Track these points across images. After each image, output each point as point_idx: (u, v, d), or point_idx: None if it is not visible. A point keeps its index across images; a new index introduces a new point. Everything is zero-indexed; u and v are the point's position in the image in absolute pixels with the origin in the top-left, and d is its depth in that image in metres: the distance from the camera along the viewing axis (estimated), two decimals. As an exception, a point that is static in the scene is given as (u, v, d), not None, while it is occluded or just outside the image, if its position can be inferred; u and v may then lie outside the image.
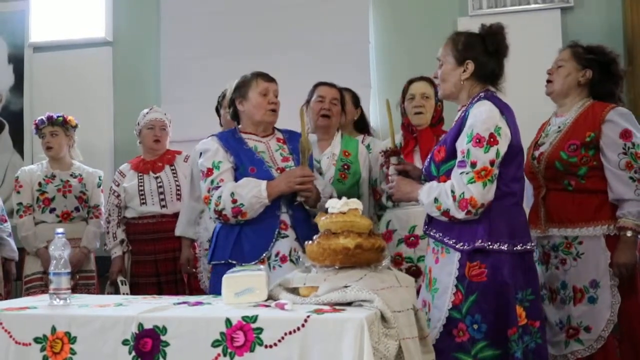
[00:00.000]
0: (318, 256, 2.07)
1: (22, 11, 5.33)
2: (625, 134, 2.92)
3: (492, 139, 2.44)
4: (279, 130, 3.20)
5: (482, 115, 2.47)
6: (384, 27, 4.80)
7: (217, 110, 4.10)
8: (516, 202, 2.57)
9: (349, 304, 1.95)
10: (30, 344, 2.03)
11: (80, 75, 5.19)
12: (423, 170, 2.75)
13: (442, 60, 2.69)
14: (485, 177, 2.42)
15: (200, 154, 3.07)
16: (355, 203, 2.13)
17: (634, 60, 4.31)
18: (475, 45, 2.62)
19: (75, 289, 4.00)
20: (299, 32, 4.88)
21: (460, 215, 2.44)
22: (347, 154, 3.55)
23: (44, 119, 4.39)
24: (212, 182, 2.94)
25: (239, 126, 3.15)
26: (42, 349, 2.02)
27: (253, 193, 2.85)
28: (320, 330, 1.81)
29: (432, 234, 2.61)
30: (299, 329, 1.83)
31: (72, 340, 2.00)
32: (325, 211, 2.15)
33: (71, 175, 4.42)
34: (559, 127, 3.09)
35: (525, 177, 3.19)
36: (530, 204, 3.28)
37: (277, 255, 2.91)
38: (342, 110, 3.69)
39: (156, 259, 4.18)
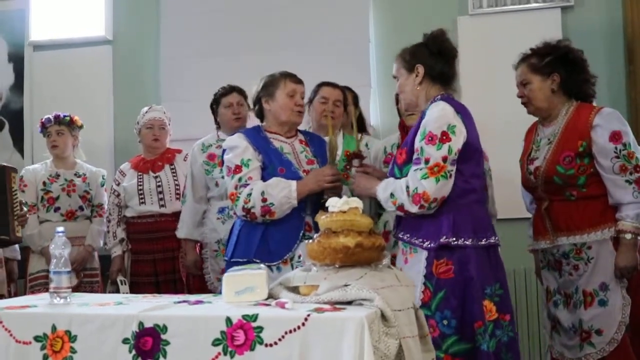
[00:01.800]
0: (318, 255, 2.07)
1: (22, 10, 5.32)
2: (615, 137, 2.89)
3: (444, 137, 2.54)
4: (300, 132, 3.22)
5: (435, 115, 2.59)
6: (384, 26, 4.79)
7: (212, 108, 4.07)
8: (478, 199, 2.66)
9: (349, 302, 1.95)
10: (30, 343, 2.03)
11: (80, 74, 5.18)
12: (388, 173, 2.82)
13: (396, 75, 2.84)
14: (437, 173, 2.52)
15: (224, 150, 3.06)
16: (355, 202, 2.13)
17: (634, 60, 4.31)
18: (420, 51, 2.78)
19: (79, 287, 4.04)
20: (299, 31, 4.87)
21: (413, 209, 2.55)
22: (359, 149, 3.55)
23: (51, 117, 4.40)
24: (240, 179, 2.94)
25: (263, 124, 3.15)
26: (43, 348, 2.02)
27: (284, 193, 2.87)
28: (320, 329, 1.81)
29: (400, 236, 2.71)
30: (299, 327, 1.82)
31: (73, 339, 2.00)
32: (326, 210, 2.15)
33: (75, 174, 4.44)
34: (549, 138, 3.06)
35: (524, 189, 3.21)
36: (530, 210, 3.28)
37: (300, 257, 2.91)
38: (344, 110, 3.68)
39: (154, 259, 4.18)
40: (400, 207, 2.59)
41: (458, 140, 2.56)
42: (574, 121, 3.00)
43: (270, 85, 3.08)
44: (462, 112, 2.63)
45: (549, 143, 3.05)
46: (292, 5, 4.93)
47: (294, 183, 2.89)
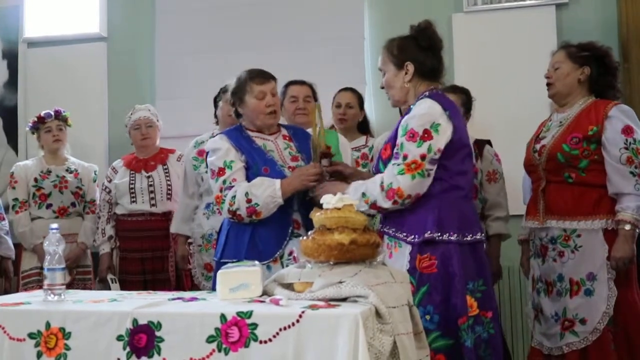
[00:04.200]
0: (313, 252, 2.07)
1: (16, 6, 5.30)
2: (627, 130, 2.96)
3: (425, 135, 2.53)
4: (283, 126, 3.19)
5: (419, 112, 2.57)
6: (378, 23, 4.79)
7: (215, 102, 4.07)
8: (464, 195, 2.64)
9: (344, 299, 1.95)
10: (24, 340, 2.03)
11: (75, 71, 5.17)
12: (372, 168, 2.83)
13: (383, 69, 2.79)
14: (414, 170, 2.51)
15: (207, 153, 3.05)
16: (349, 199, 2.13)
17: (629, 57, 4.32)
18: (409, 46, 2.72)
19: (72, 285, 4.04)
20: (294, 28, 4.87)
21: (386, 204, 2.55)
22: (327, 148, 3.55)
23: (51, 112, 4.39)
24: (224, 181, 2.91)
25: (244, 123, 3.12)
26: (37, 345, 2.02)
27: (268, 192, 2.83)
28: (315, 325, 1.82)
29: (385, 230, 2.69)
30: (293, 324, 1.83)
31: (67, 335, 2.00)
32: (320, 207, 2.15)
33: (67, 170, 4.43)
34: (561, 122, 3.13)
35: (525, 170, 3.24)
36: (527, 201, 3.31)
37: (290, 254, 2.90)
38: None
39: (143, 257, 4.19)
40: (373, 205, 2.58)
41: (440, 139, 2.54)
42: (589, 109, 3.07)
43: (238, 90, 3.04)
44: (450, 108, 2.61)
45: (559, 125, 3.12)
46: (287, 3, 4.93)
47: (277, 182, 2.86)
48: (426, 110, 2.56)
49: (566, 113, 3.14)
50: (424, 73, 2.70)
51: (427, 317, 2.50)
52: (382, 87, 2.82)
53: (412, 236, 2.56)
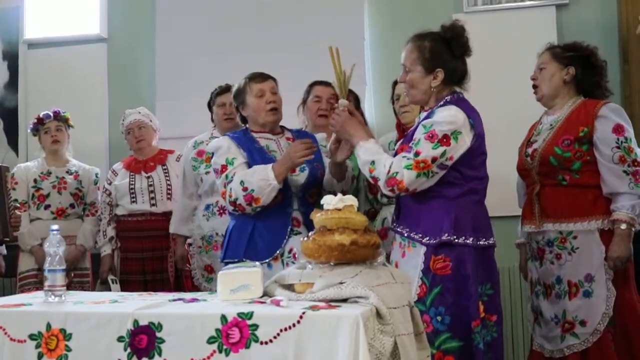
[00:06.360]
0: (313, 252, 2.07)
1: (16, 7, 5.29)
2: (618, 129, 2.96)
3: (444, 140, 2.52)
4: (287, 129, 3.22)
5: (445, 118, 2.55)
6: (378, 24, 4.79)
7: (209, 106, 4.09)
8: (479, 200, 2.67)
9: (345, 300, 1.95)
10: (25, 341, 2.03)
11: (75, 72, 5.16)
12: None
13: (409, 67, 2.72)
14: (421, 169, 2.52)
15: (212, 154, 3.08)
16: (350, 199, 2.13)
17: (629, 58, 4.32)
18: (442, 53, 2.67)
19: (69, 287, 4.01)
20: (294, 29, 4.86)
21: (384, 190, 2.60)
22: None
23: (50, 113, 4.39)
24: (227, 177, 2.94)
25: (249, 126, 3.16)
26: (37, 346, 2.02)
27: (261, 176, 2.84)
28: (315, 326, 1.82)
29: (399, 229, 2.70)
30: (294, 325, 1.83)
31: (68, 337, 2.00)
32: (321, 207, 2.15)
33: (67, 171, 4.42)
34: (551, 124, 3.12)
35: (519, 175, 3.24)
36: (522, 205, 3.31)
37: (290, 252, 2.93)
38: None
39: (143, 257, 4.19)
40: (374, 179, 2.62)
41: (457, 148, 2.54)
42: (579, 110, 3.07)
43: (239, 93, 3.12)
44: (472, 115, 2.61)
45: (550, 128, 3.11)
46: (287, 4, 4.92)
47: (269, 165, 2.88)
48: (451, 118, 2.55)
49: (556, 115, 3.13)
50: (452, 80, 2.69)
51: (439, 318, 2.52)
52: (401, 82, 2.79)
53: (428, 237, 2.58)
